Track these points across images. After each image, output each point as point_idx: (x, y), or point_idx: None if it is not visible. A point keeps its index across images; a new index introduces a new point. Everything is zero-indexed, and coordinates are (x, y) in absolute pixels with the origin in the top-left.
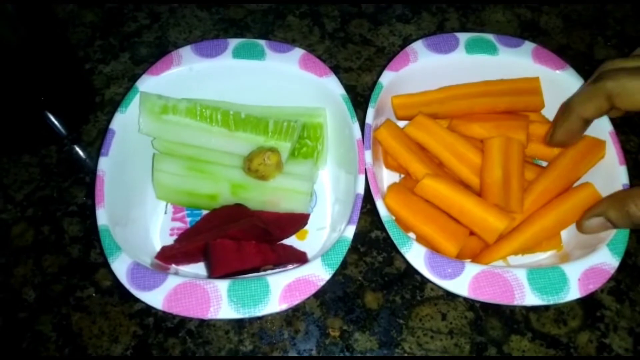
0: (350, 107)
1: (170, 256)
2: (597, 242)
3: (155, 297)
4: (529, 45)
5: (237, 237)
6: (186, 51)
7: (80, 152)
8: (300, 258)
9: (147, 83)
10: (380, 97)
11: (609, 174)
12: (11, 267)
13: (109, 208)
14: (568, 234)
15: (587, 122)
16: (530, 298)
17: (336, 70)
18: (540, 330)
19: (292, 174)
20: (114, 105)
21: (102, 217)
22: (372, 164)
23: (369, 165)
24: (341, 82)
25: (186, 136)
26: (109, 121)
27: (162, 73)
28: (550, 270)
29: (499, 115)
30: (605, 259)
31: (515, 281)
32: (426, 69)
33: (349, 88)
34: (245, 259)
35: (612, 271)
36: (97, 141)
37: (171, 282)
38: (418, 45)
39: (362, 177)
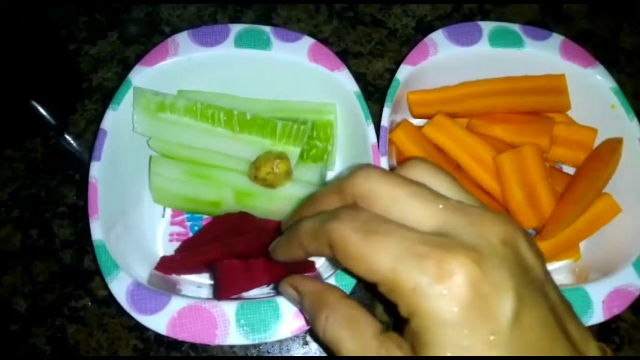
0: (365, 106)
1: (170, 267)
2: (618, 259)
3: (159, 322)
4: (557, 39)
5: (244, 253)
6: (183, 38)
7: (68, 146)
8: (308, 268)
9: (141, 75)
10: (396, 92)
11: (634, 186)
12: None
13: (103, 219)
14: (586, 244)
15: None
16: None
17: (345, 55)
18: None
19: (301, 180)
20: (102, 92)
21: (97, 231)
22: None
23: None
24: (350, 69)
25: (185, 137)
26: (97, 110)
27: (157, 64)
28: (573, 292)
29: (522, 117)
30: (631, 279)
31: None
32: (446, 62)
33: (358, 76)
34: (253, 279)
35: (637, 293)
36: (86, 133)
37: (174, 305)
38: (438, 36)
39: None
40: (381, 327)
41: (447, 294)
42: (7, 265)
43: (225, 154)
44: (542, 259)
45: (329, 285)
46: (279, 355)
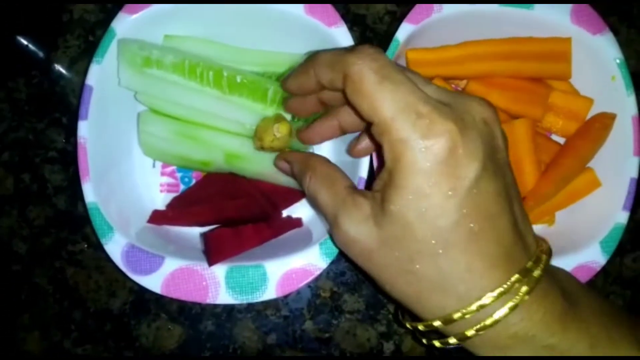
0: None
1: (162, 221)
2: (587, 234)
3: (154, 282)
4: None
5: (233, 218)
6: None
7: (52, 86)
8: (296, 225)
9: (125, 23)
10: (395, 54)
11: (618, 163)
12: None
13: (95, 179)
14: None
15: (323, 88)
16: None
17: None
18: None
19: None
20: (84, 26)
21: (90, 193)
22: None
23: None
24: (348, 10)
25: (173, 94)
26: (80, 47)
27: (142, 11)
28: None
29: (521, 83)
30: (595, 257)
31: None
32: (451, 20)
33: (357, 18)
34: (243, 244)
35: (599, 269)
36: (70, 72)
37: (168, 266)
38: None
39: (366, 159)
40: (352, 183)
41: (428, 150)
42: (3, 209)
43: (215, 114)
44: (507, 144)
45: (313, 153)
46: None
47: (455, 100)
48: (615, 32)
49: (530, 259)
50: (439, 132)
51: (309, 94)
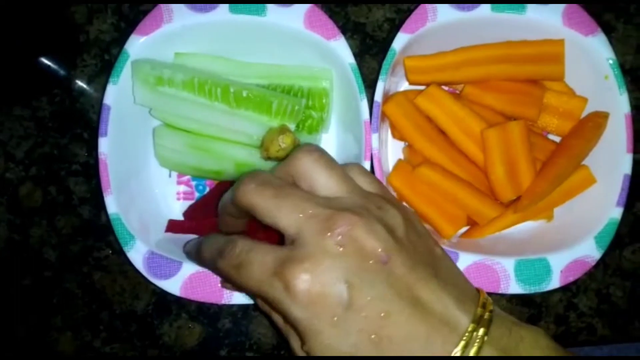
0: (359, 79)
1: (178, 231)
2: (583, 229)
3: (173, 285)
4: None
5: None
6: (176, 4)
7: (73, 103)
8: None
9: (137, 44)
10: (392, 63)
11: (612, 160)
12: (26, 227)
13: (116, 192)
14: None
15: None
16: (514, 288)
17: (343, 3)
18: None
19: None
20: (100, 46)
21: (112, 205)
22: (378, 149)
23: (375, 150)
24: (348, 18)
25: (185, 110)
26: (97, 65)
27: (152, 32)
28: (536, 262)
29: (516, 86)
30: (590, 252)
31: (502, 272)
32: (446, 28)
33: (357, 26)
34: None
35: (594, 263)
36: (89, 90)
37: (186, 270)
38: None
39: (367, 163)
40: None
41: (295, 298)
42: (33, 220)
43: (224, 127)
44: (387, 241)
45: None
46: None
47: (311, 235)
48: (612, 29)
49: (460, 336)
50: (292, 281)
51: (240, 227)
